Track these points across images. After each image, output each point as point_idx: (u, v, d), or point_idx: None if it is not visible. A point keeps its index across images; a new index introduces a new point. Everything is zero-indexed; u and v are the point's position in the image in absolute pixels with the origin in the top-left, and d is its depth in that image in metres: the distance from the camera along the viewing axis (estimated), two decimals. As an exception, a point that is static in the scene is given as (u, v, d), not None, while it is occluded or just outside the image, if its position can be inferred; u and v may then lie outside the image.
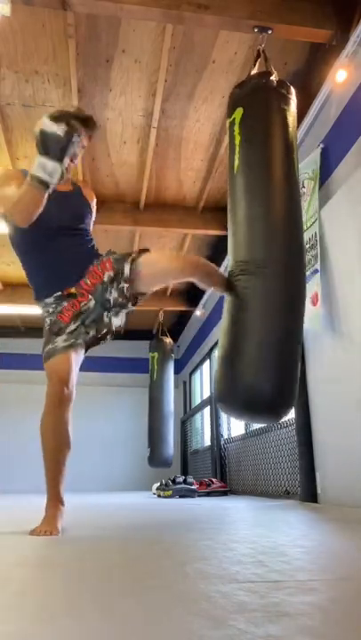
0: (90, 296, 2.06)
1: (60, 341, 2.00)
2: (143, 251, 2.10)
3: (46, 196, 1.84)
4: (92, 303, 2.06)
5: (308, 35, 3.11)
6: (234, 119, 2.32)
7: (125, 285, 2.02)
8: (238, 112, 2.32)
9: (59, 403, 1.97)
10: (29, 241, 2.14)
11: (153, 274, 2.09)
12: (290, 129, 2.24)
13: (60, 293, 2.08)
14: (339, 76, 3.06)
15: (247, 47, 3.44)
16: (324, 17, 3.03)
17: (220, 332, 2.10)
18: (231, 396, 1.93)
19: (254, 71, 2.57)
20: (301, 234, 2.20)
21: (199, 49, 3.47)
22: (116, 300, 2.05)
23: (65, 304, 2.05)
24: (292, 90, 2.34)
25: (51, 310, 2.08)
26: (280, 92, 2.29)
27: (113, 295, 2.05)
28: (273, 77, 2.34)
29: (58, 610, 0.74)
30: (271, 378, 1.86)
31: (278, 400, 1.88)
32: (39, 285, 2.17)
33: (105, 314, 2.08)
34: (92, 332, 2.07)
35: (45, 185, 1.79)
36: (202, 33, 3.33)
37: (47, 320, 2.08)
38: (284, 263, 2.06)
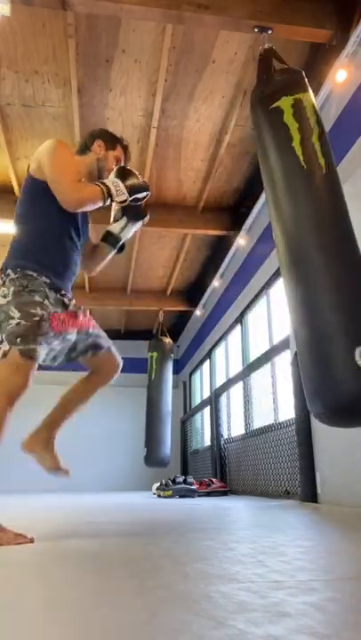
0: (75, 328, 2.05)
1: (43, 352, 1.90)
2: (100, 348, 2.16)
3: (99, 205, 1.97)
4: (72, 337, 2.03)
5: (308, 35, 3.11)
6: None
7: (87, 355, 2.12)
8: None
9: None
10: (53, 220, 2.04)
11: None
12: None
13: (56, 287, 1.98)
14: (339, 76, 3.06)
15: (247, 47, 3.44)
16: (325, 17, 3.03)
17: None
18: None
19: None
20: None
21: (199, 49, 3.47)
22: (78, 353, 2.12)
23: (59, 309, 1.96)
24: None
25: (44, 300, 1.91)
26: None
27: (80, 347, 2.11)
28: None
29: (58, 610, 0.74)
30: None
31: None
32: (43, 261, 1.99)
33: (73, 350, 2.09)
34: (57, 360, 2.08)
35: (109, 197, 1.94)
36: (202, 33, 3.33)
37: (38, 308, 1.88)
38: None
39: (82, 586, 0.92)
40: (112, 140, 2.25)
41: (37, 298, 1.89)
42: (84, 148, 2.24)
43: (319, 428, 3.20)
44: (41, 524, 2.18)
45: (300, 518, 2.35)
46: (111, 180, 1.97)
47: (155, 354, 6.72)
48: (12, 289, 1.88)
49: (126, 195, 1.96)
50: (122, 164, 2.17)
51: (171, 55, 3.48)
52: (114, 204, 2.00)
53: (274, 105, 2.28)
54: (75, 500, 4.60)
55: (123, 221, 2.21)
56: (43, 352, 1.90)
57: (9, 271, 1.92)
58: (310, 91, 2.35)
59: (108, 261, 2.30)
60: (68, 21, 3.20)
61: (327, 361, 1.86)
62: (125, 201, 1.96)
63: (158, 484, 5.24)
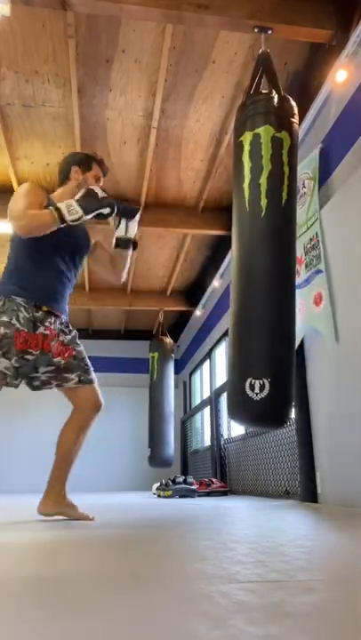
0: (37, 350, 2.18)
1: (2, 365, 2.08)
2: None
3: (54, 228, 2.10)
4: (32, 358, 2.18)
5: (308, 35, 3.11)
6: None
7: (51, 386, 2.34)
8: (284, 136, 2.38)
9: None
10: (30, 247, 2.23)
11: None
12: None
13: (34, 304, 2.17)
14: (339, 76, 3.06)
15: (247, 47, 3.44)
16: (325, 17, 3.03)
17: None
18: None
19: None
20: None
21: (199, 49, 3.47)
22: (41, 382, 2.31)
23: (26, 328, 2.12)
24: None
25: (12, 319, 2.10)
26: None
27: (42, 376, 2.30)
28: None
29: (58, 610, 0.74)
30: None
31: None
32: (23, 282, 2.20)
33: (34, 375, 2.27)
34: (18, 379, 2.20)
35: (61, 220, 2.07)
36: (202, 33, 3.33)
37: (2, 328, 2.08)
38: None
39: (81, 586, 0.92)
40: (86, 162, 2.39)
41: (4, 318, 2.10)
42: (64, 178, 2.39)
43: (319, 428, 3.20)
44: (39, 523, 2.18)
45: (300, 518, 2.35)
46: (65, 201, 2.11)
47: (156, 354, 6.72)
48: None
49: (80, 212, 2.06)
50: (99, 183, 2.37)
51: (171, 55, 3.48)
52: (86, 218, 2.12)
53: (239, 139, 2.42)
54: (75, 499, 4.59)
55: (122, 224, 2.34)
56: (1, 366, 2.07)
57: None
58: (283, 120, 2.38)
59: (129, 263, 2.53)
60: (68, 21, 3.20)
61: (232, 387, 2.31)
62: (80, 218, 2.08)
63: (158, 483, 5.24)
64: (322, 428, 3.17)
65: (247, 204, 2.30)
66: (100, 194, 2.16)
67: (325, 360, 3.16)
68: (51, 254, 2.25)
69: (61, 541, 1.62)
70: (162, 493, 4.94)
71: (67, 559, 1.27)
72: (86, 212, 2.09)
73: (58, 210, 2.06)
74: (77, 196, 2.14)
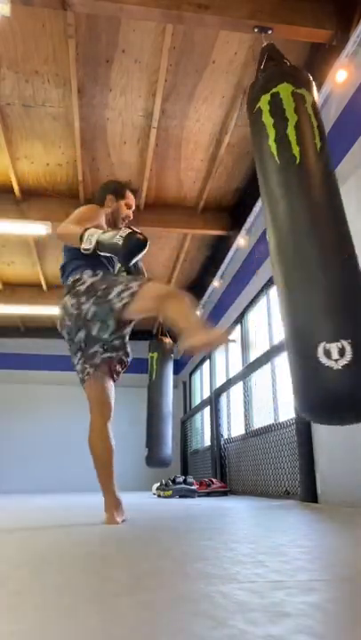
0: None
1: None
2: None
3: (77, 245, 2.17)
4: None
5: (308, 35, 3.11)
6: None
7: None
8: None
9: None
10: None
11: None
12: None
13: None
14: (339, 76, 3.06)
15: (247, 47, 3.44)
16: (325, 17, 3.03)
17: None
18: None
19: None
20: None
21: (199, 49, 3.47)
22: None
23: None
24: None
25: None
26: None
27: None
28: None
29: (58, 610, 0.74)
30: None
31: None
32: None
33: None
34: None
35: (80, 241, 2.10)
36: (202, 33, 3.33)
37: None
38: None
39: (81, 586, 0.92)
40: (120, 191, 2.54)
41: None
42: (101, 202, 2.53)
43: (319, 428, 3.20)
44: (39, 523, 2.18)
45: (300, 518, 2.35)
46: (93, 230, 2.12)
47: (155, 354, 6.72)
48: None
49: (92, 245, 2.06)
50: (131, 208, 2.53)
51: (171, 55, 3.48)
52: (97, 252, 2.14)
53: (255, 108, 2.33)
54: (74, 500, 4.60)
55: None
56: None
57: None
58: (300, 78, 2.33)
59: None
60: (68, 21, 3.20)
61: (299, 360, 1.85)
62: (88, 249, 2.08)
63: (158, 484, 5.24)
64: (322, 428, 3.17)
65: (277, 157, 2.12)
66: (118, 238, 2.05)
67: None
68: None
69: (62, 541, 1.62)
70: (162, 493, 4.94)
71: (67, 559, 1.27)
72: (99, 249, 2.08)
73: (82, 234, 2.10)
74: (110, 234, 2.08)
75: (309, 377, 1.78)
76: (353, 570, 1.07)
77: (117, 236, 2.00)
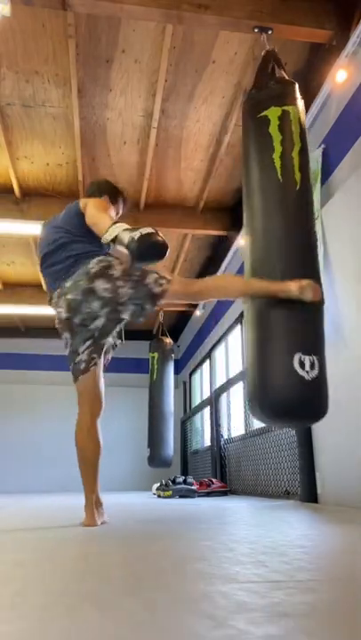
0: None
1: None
2: None
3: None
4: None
5: (308, 35, 3.11)
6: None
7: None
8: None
9: None
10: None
11: None
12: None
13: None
14: (339, 76, 3.06)
15: (247, 47, 3.44)
16: (324, 17, 3.03)
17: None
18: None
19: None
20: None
21: (199, 49, 3.47)
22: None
23: None
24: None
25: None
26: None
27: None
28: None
29: (58, 610, 0.74)
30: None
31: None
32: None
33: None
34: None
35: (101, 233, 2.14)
36: (202, 33, 3.33)
37: None
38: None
39: (81, 586, 0.92)
40: (115, 195, 2.56)
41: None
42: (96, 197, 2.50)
43: (319, 428, 3.20)
44: (39, 523, 2.18)
45: (300, 518, 2.35)
46: (120, 223, 2.12)
47: (155, 354, 6.71)
48: None
49: (110, 237, 2.07)
50: (116, 218, 2.42)
51: (171, 55, 3.48)
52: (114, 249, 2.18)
53: (262, 114, 2.34)
54: (74, 500, 4.59)
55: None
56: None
57: None
58: (300, 103, 2.39)
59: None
60: (68, 21, 3.20)
61: (267, 366, 2.02)
62: (108, 241, 2.10)
63: (158, 484, 5.24)
64: (322, 428, 3.17)
65: (280, 175, 2.20)
66: (134, 237, 2.06)
67: (327, 359, 3.15)
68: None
69: (62, 541, 1.62)
70: (162, 493, 4.94)
71: (67, 559, 1.27)
72: (115, 243, 2.09)
73: (111, 225, 2.10)
74: (137, 231, 2.07)
75: (283, 384, 1.94)
76: (353, 570, 1.07)
77: (135, 236, 2.02)
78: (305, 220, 2.21)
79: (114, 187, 2.63)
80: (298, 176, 2.21)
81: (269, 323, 2.07)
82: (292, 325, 2.03)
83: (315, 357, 1.93)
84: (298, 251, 2.16)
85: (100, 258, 2.20)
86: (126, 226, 2.09)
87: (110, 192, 2.56)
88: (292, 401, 1.94)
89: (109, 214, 2.32)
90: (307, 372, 1.88)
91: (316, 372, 1.91)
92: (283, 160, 2.22)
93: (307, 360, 1.89)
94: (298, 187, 2.20)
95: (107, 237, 2.07)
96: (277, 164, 2.22)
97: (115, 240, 2.05)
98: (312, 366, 1.91)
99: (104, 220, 2.18)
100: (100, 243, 2.19)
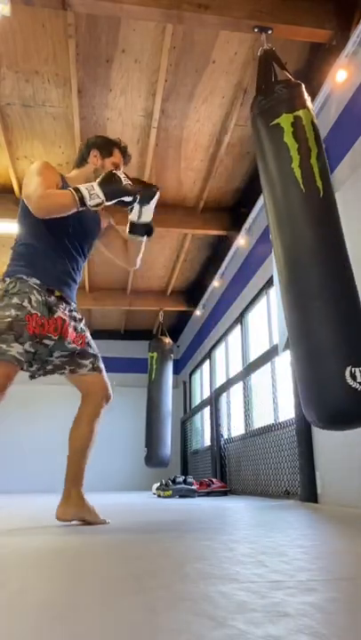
0: (57, 335, 2.08)
1: (15, 351, 1.95)
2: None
3: (73, 210, 1.98)
4: (51, 343, 2.08)
5: (308, 35, 3.11)
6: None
7: (64, 371, 2.22)
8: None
9: None
10: (43, 229, 2.13)
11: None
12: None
13: (47, 288, 2.06)
14: (339, 76, 3.06)
15: (247, 47, 3.45)
16: (325, 17, 3.04)
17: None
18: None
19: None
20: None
21: (199, 49, 3.47)
22: (54, 366, 2.20)
23: (40, 312, 2.00)
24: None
25: (24, 302, 1.97)
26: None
27: (56, 360, 2.18)
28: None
29: (58, 610, 0.74)
30: None
31: None
32: (35, 264, 2.09)
33: (48, 359, 2.16)
34: (34, 366, 2.12)
35: (82, 203, 1.94)
36: (202, 33, 3.33)
37: (12, 310, 1.95)
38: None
39: (81, 585, 0.92)
40: (107, 147, 2.27)
41: (16, 300, 1.97)
42: (82, 160, 2.28)
43: (319, 429, 3.20)
44: (39, 523, 2.18)
45: (300, 518, 2.35)
46: (86, 184, 1.98)
47: (155, 354, 6.71)
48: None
49: (102, 198, 1.95)
50: (118, 170, 2.13)
51: (171, 55, 3.48)
52: (108, 203, 2.00)
53: (274, 122, 2.29)
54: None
55: (136, 207, 2.20)
56: (14, 351, 1.94)
57: (5, 278, 2.04)
58: (310, 104, 2.36)
59: (145, 249, 2.38)
60: (68, 21, 3.20)
61: (320, 378, 2.03)
62: (101, 203, 1.97)
63: (158, 484, 5.24)
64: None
65: (302, 186, 2.16)
66: (123, 179, 2.01)
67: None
68: (64, 238, 2.15)
69: (62, 541, 1.62)
70: (162, 493, 4.94)
71: (66, 559, 1.27)
72: (108, 199, 1.96)
73: (79, 192, 1.93)
74: (99, 180, 1.98)
75: (335, 395, 1.97)
76: (353, 570, 1.07)
77: (122, 177, 1.97)
78: (332, 229, 2.18)
79: (102, 137, 2.36)
80: (320, 183, 2.17)
81: (319, 338, 2.07)
82: (342, 338, 2.03)
83: None
84: (332, 259, 2.13)
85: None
86: (93, 183, 1.97)
87: (99, 145, 2.28)
88: (347, 411, 1.98)
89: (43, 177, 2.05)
90: (359, 382, 1.92)
91: None
92: (302, 169, 2.19)
93: (357, 372, 1.93)
94: (321, 194, 2.17)
95: (97, 202, 1.94)
96: (298, 174, 2.19)
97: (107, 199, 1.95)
98: None
99: (54, 199, 1.99)
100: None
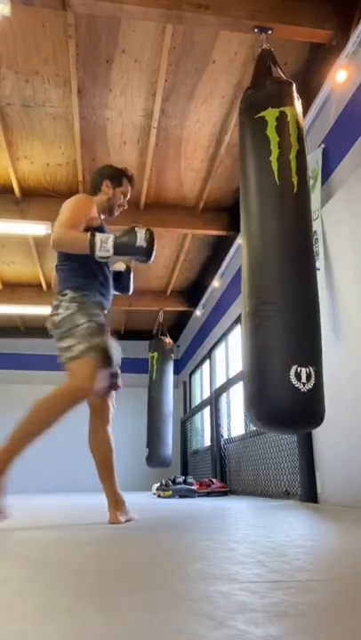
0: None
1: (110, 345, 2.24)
2: None
3: (81, 254, 2.17)
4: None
5: (308, 35, 3.11)
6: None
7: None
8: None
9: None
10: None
11: None
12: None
13: (101, 306, 2.33)
14: (339, 76, 3.06)
15: (247, 47, 3.44)
16: (324, 17, 3.03)
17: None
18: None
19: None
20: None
21: (199, 49, 3.47)
22: None
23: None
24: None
25: (99, 313, 2.25)
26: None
27: None
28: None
29: (58, 610, 0.74)
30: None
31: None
32: (93, 286, 2.31)
33: None
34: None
35: (92, 252, 2.10)
36: (202, 33, 3.33)
37: (97, 318, 2.22)
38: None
39: (81, 586, 0.92)
40: (118, 178, 2.47)
41: (96, 310, 2.25)
42: (95, 189, 2.48)
43: (319, 429, 3.20)
44: (39, 523, 2.18)
45: (300, 518, 2.35)
46: (103, 236, 2.12)
47: (155, 354, 6.72)
48: (74, 304, 2.20)
49: (110, 253, 2.09)
50: (126, 198, 2.48)
51: (171, 55, 3.48)
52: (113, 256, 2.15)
53: (260, 114, 2.31)
54: (74, 500, 4.60)
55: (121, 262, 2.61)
56: (112, 349, 2.23)
57: (67, 291, 2.24)
58: (298, 105, 2.37)
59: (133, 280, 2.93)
60: (68, 21, 3.20)
61: (263, 374, 2.02)
62: (107, 257, 2.12)
63: (158, 484, 5.24)
64: (322, 429, 3.17)
65: (277, 178, 2.18)
66: (139, 240, 2.13)
67: (325, 359, 3.15)
68: (96, 267, 2.32)
69: (62, 541, 1.62)
70: (162, 493, 4.94)
71: (67, 559, 1.27)
72: (116, 254, 2.11)
73: (93, 239, 2.09)
74: (119, 234, 2.14)
75: (278, 394, 1.96)
76: (353, 570, 1.07)
77: (139, 238, 2.09)
78: (302, 225, 2.19)
79: (113, 168, 2.53)
80: (295, 179, 2.19)
81: (268, 333, 2.05)
82: (289, 337, 2.03)
83: (311, 369, 1.95)
84: (294, 255, 2.14)
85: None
86: (109, 235, 2.13)
87: (111, 175, 2.47)
88: (288, 411, 1.97)
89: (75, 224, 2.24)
90: (303, 383, 1.91)
91: (312, 383, 1.94)
92: (280, 163, 2.21)
93: (303, 372, 1.92)
94: (295, 190, 2.18)
95: (104, 255, 2.10)
96: (274, 166, 2.21)
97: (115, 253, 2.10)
98: (308, 378, 1.93)
99: (69, 238, 2.17)
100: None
